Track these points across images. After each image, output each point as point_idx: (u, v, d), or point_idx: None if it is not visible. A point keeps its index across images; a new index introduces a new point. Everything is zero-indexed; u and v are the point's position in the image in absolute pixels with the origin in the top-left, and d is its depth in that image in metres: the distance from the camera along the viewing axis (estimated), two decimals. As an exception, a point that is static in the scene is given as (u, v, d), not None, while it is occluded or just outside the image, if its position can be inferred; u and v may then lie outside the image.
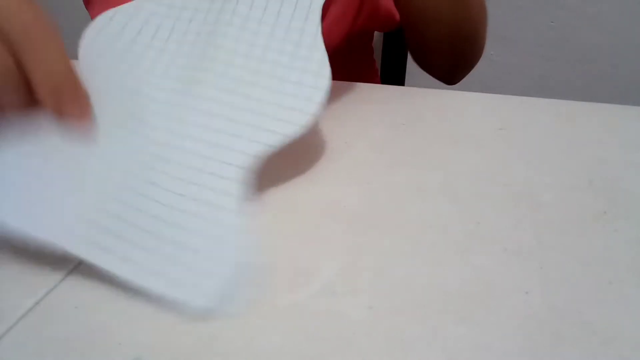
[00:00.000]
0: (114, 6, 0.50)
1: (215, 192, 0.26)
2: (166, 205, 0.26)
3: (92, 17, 0.56)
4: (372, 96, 0.44)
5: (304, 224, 0.28)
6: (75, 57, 0.47)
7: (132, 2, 0.33)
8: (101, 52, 0.32)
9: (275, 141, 0.28)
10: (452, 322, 0.21)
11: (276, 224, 0.28)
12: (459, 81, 0.57)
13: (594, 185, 0.31)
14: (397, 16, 0.53)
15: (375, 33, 0.66)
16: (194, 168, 0.27)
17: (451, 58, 0.51)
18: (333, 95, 0.43)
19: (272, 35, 0.32)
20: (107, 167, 0.27)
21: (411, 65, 0.62)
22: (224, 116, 0.29)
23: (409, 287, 0.23)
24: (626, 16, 1.13)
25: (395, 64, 0.71)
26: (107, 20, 0.32)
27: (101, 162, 0.27)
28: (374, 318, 0.22)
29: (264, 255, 0.25)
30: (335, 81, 0.44)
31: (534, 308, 0.22)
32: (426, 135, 0.37)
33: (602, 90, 1.21)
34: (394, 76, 0.71)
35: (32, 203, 0.25)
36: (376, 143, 0.36)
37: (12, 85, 0.25)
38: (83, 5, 0.58)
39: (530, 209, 0.29)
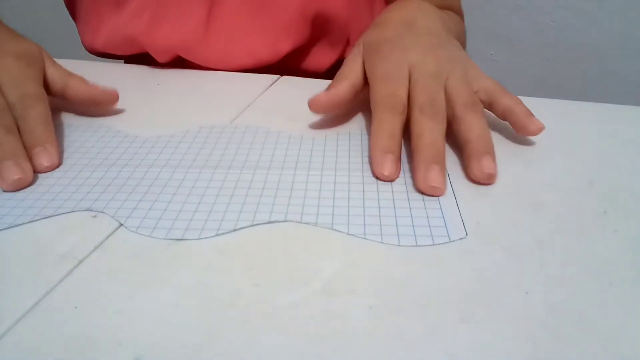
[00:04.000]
0: (101, 27, 0.51)
1: None
2: None
3: (78, 28, 0.56)
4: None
5: (304, 224, 0.28)
6: (66, 55, 0.48)
7: None
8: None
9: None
10: (452, 322, 0.21)
11: (276, 224, 0.28)
12: None
13: (594, 185, 0.31)
14: None
15: None
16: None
17: None
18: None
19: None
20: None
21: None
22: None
23: (409, 287, 0.23)
24: (626, 16, 1.13)
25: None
26: None
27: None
28: (374, 318, 0.22)
29: (264, 256, 0.25)
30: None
31: (534, 308, 0.22)
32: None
33: (602, 90, 1.21)
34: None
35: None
36: (376, 143, 0.36)
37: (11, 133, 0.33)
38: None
39: (530, 209, 0.29)
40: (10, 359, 0.20)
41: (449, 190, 0.30)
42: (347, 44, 0.54)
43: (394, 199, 0.29)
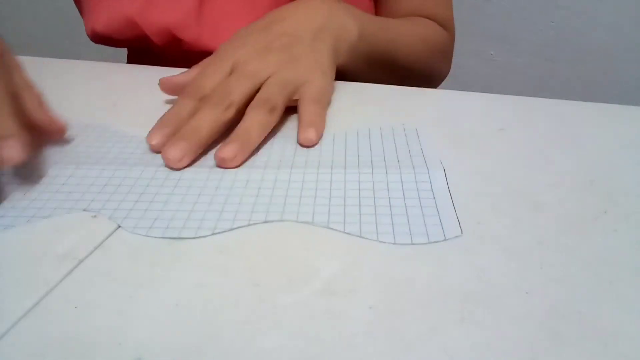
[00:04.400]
0: (105, 9, 0.51)
1: None
2: None
3: (83, 17, 0.57)
4: (371, 96, 0.44)
5: (304, 224, 0.28)
6: (70, 55, 0.47)
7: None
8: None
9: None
10: (452, 322, 0.21)
11: (276, 224, 0.28)
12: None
13: (594, 185, 0.31)
14: None
15: None
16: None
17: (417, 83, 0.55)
18: (333, 95, 0.43)
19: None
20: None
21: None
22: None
23: (409, 287, 0.23)
24: (626, 16, 1.14)
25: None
26: None
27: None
28: (374, 318, 0.22)
29: (263, 256, 0.25)
30: (334, 81, 0.44)
31: (534, 308, 0.22)
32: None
33: (602, 90, 1.21)
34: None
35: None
36: (376, 143, 0.36)
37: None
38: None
39: (530, 209, 0.29)
40: (10, 359, 0.20)
41: (444, 188, 0.30)
42: None
43: (389, 197, 0.29)
